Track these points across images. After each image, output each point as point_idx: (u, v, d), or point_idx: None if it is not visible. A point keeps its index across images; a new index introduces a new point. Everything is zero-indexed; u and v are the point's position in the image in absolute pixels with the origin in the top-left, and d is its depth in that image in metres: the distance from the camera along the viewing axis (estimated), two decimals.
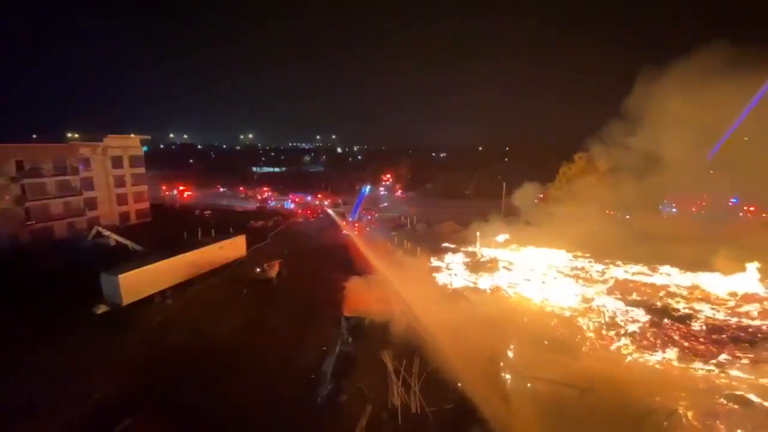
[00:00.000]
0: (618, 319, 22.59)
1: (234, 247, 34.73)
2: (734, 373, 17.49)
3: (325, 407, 16.55)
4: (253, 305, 26.07)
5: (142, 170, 52.89)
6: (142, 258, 29.39)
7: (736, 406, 15.42)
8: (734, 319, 22.48)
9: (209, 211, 58.28)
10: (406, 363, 17.62)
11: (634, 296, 25.74)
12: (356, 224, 49.16)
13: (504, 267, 32.07)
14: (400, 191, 79.23)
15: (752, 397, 15.80)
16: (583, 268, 31.20)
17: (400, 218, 52.82)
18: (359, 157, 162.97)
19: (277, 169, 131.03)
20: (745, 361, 18.19)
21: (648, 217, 39.36)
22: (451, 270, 31.69)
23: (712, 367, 17.88)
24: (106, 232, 39.08)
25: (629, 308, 23.68)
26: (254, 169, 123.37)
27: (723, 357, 18.53)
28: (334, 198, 66.62)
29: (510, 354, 19.24)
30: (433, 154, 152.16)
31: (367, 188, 54.66)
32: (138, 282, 25.47)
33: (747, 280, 26.83)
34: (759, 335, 20.53)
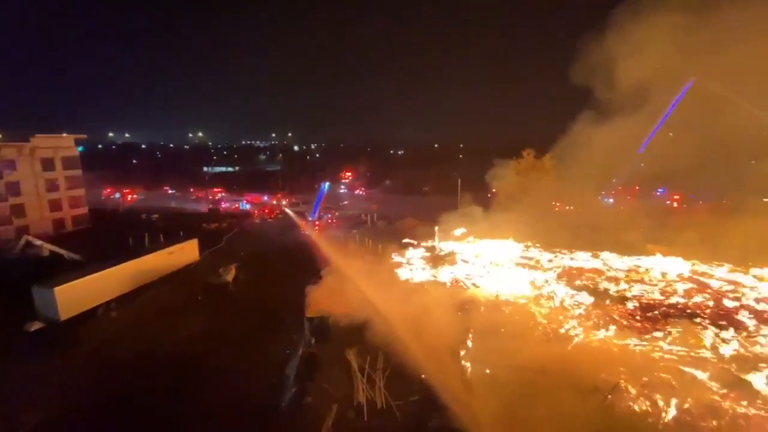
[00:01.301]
0: (566, 304, 24.21)
1: (186, 252, 33.04)
2: (666, 346, 19.36)
3: (290, 411, 16.31)
4: (209, 312, 24.99)
5: (78, 172, 48.59)
6: (82, 268, 27.10)
7: (669, 377, 17.08)
8: (665, 298, 24.86)
9: (157, 215, 54.86)
10: (370, 359, 17.76)
11: (579, 282, 27.64)
12: (316, 223, 48.53)
13: (462, 260, 33.16)
14: (360, 189, 79.17)
15: (683, 368, 17.57)
16: (533, 258, 33.06)
17: (361, 216, 52.83)
18: (317, 155, 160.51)
19: (230, 169, 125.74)
20: (675, 335, 20.16)
21: (588, 207, 42.54)
22: (412, 265, 32.24)
23: (647, 343, 19.68)
24: (38, 242, 35.55)
25: (575, 293, 25.44)
26: (205, 168, 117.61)
27: (656, 333, 20.44)
28: (293, 197, 65.24)
29: (469, 343, 19.98)
30: (392, 151, 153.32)
31: (326, 186, 54.06)
32: (77, 294, 23.50)
33: (674, 262, 29.78)
34: (687, 311, 22.91)
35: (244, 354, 20.16)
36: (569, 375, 16.82)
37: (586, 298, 24.56)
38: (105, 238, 41.40)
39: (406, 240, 39.13)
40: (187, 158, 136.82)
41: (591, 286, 26.73)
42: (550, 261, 32.17)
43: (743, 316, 21.92)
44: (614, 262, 31.13)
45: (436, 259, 33.39)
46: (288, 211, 54.57)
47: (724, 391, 16.05)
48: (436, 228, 38.85)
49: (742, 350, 18.83)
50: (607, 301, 24.20)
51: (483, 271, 30.26)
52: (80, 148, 51.08)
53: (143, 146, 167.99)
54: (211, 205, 62.70)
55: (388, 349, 18.55)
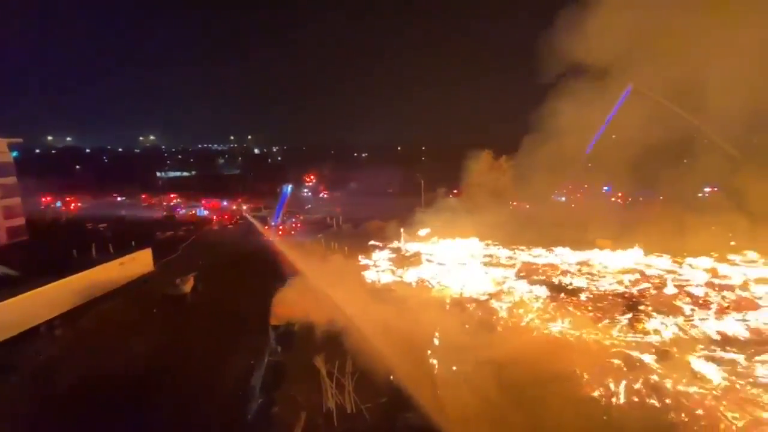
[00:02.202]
0: (525, 298, 25.40)
1: (138, 263, 31.17)
2: (616, 333, 20.83)
3: (257, 422, 15.83)
4: (167, 325, 23.67)
5: (12, 180, 44.22)
6: (18, 285, 24.73)
7: (619, 362, 18.37)
8: (613, 288, 26.70)
9: (105, 224, 51.23)
10: (339, 364, 17.64)
11: (537, 276, 29.09)
12: (280, 228, 47.42)
13: (427, 260, 33.81)
14: (324, 192, 78.30)
15: (630, 352, 18.95)
16: (494, 255, 34.37)
17: (326, 219, 52.30)
18: (279, 158, 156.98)
19: (186, 173, 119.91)
20: (623, 322, 21.72)
21: (543, 205, 44.98)
22: (379, 267, 32.44)
23: (598, 331, 21.05)
24: None
25: (533, 287, 26.77)
26: (159, 173, 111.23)
27: (606, 321, 21.92)
28: (254, 202, 63.36)
29: (436, 342, 20.41)
30: (355, 153, 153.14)
31: (289, 190, 52.88)
32: (13, 314, 21.45)
33: (621, 254, 32.13)
34: (632, 300, 24.76)
35: (206, 367, 19.29)
36: (530, 366, 17.62)
37: (544, 292, 25.91)
38: (46, 251, 38.01)
39: (372, 242, 39.28)
40: (138, 163, 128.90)
41: (547, 280, 28.23)
42: (510, 258, 33.62)
43: (681, 302, 24.06)
44: (568, 256, 33.08)
45: (402, 260, 33.80)
46: (249, 216, 52.87)
47: (667, 371, 17.50)
48: (402, 229, 39.33)
49: (680, 333, 20.67)
50: (562, 294, 25.68)
51: (447, 270, 31.01)
52: (14, 153, 46.71)
53: (87, 150, 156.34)
54: (165, 212, 59.43)
55: (357, 352, 18.51)
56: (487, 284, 27.93)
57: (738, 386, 16.40)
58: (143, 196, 71.90)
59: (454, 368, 18.58)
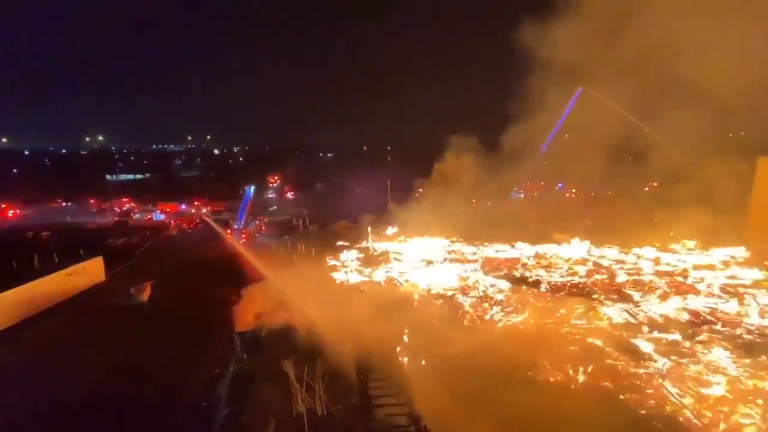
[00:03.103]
0: (489, 292, 26.31)
1: (88, 273, 29.18)
2: (573, 321, 22.08)
3: None
4: (121, 339, 22.27)
5: None
6: None
7: (576, 348, 19.49)
8: (569, 279, 28.31)
9: (47, 232, 47.36)
10: (308, 367, 17.43)
11: (499, 271, 30.23)
12: (243, 231, 45.99)
13: (395, 258, 34.15)
14: (289, 193, 76.82)
15: (587, 339, 20.17)
16: (458, 251, 35.31)
17: (292, 221, 51.40)
18: (240, 159, 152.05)
19: (139, 176, 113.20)
20: (579, 311, 23.05)
21: (503, 202, 46.95)
22: (347, 267, 32.35)
23: (556, 320, 22.23)
24: None
25: (496, 281, 27.80)
26: (109, 177, 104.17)
27: (564, 311, 23.18)
28: (215, 204, 61.03)
29: (405, 339, 20.69)
30: (321, 153, 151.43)
31: (252, 191, 51.33)
32: None
33: (575, 247, 34.11)
34: (587, 289, 26.38)
35: (167, 380, 18.35)
36: (495, 358, 18.37)
37: (506, 285, 26.98)
38: None
39: (340, 242, 39.09)
40: (85, 165, 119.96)
41: (509, 274, 29.43)
42: (474, 253, 34.71)
43: (630, 290, 25.90)
44: (527, 250, 34.67)
45: (370, 260, 33.92)
46: (209, 220, 50.81)
47: (619, 354, 18.80)
48: (369, 228, 39.44)
49: (630, 319, 22.27)
50: (523, 287, 26.87)
51: (415, 267, 31.50)
52: None
53: (26, 152, 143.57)
54: (117, 218, 55.80)
55: (327, 354, 18.39)
56: (453, 280, 28.68)
57: (681, 365, 17.88)
58: (92, 201, 67.12)
59: (423, 363, 18.98)
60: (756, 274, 26.83)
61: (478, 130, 43.19)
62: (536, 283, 27.59)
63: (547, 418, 14.64)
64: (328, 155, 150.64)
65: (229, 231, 45.35)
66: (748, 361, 17.65)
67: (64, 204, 67.45)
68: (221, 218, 51.96)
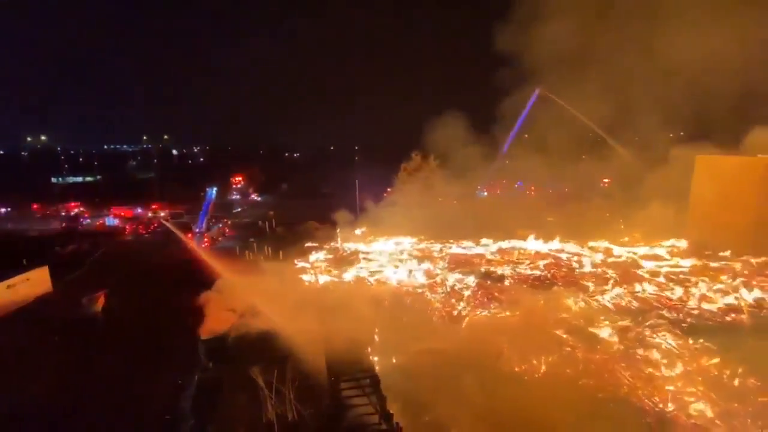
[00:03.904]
0: (456, 288, 26.99)
1: (33, 284, 27.09)
2: (535, 314, 23.03)
3: None
4: (72, 353, 20.79)
5: None
6: None
7: (539, 338, 20.39)
8: (531, 272, 29.61)
9: None
10: (278, 373, 17.11)
11: (466, 267, 30.97)
12: (205, 235, 44.23)
13: (364, 258, 34.18)
14: (254, 194, 74.66)
15: (548, 329, 21.14)
16: (426, 249, 35.93)
17: (258, 223, 50.07)
18: (201, 159, 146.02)
19: (89, 178, 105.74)
20: (542, 302, 24.13)
21: (468, 201, 48.35)
22: (317, 268, 32.03)
23: (520, 313, 23.16)
24: None
25: (463, 276, 28.56)
26: (54, 179, 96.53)
27: (527, 303, 24.17)
28: (174, 207, 58.21)
29: (376, 338, 20.80)
30: (287, 154, 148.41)
31: (214, 193, 49.39)
32: None
33: (536, 242, 35.73)
34: (547, 281, 27.69)
35: (126, 395, 17.34)
36: (463, 351, 18.90)
37: (472, 281, 27.81)
38: None
39: (308, 244, 38.56)
40: (27, 167, 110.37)
41: (475, 270, 30.31)
42: (441, 251, 35.43)
43: (586, 281, 27.45)
44: (492, 247, 35.91)
45: (339, 260, 33.74)
46: (168, 224, 48.40)
47: (578, 342, 19.89)
48: (338, 229, 39.20)
49: (586, 307, 23.62)
50: (488, 282, 27.81)
51: (384, 266, 31.69)
52: None
53: None
54: (65, 224, 51.86)
55: (296, 358, 18.14)
56: (422, 277, 29.15)
57: (633, 350, 19.20)
58: (35, 206, 61.90)
59: (394, 361, 19.18)
60: (695, 262, 29.34)
61: (445, 130, 44.10)
62: (501, 278, 28.64)
63: (515, 408, 15.25)
64: (295, 155, 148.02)
65: (190, 235, 43.45)
66: (691, 342, 19.25)
67: (2, 210, 61.75)
68: (181, 222, 49.67)
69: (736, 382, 16.40)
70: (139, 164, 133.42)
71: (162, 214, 55.18)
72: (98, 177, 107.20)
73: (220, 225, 48.94)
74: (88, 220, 53.83)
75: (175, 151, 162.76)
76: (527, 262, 31.98)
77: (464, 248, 35.94)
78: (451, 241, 37.29)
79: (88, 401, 17.12)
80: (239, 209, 62.49)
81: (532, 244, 35.59)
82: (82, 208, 59.39)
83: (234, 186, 77.40)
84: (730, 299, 23.64)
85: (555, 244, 35.33)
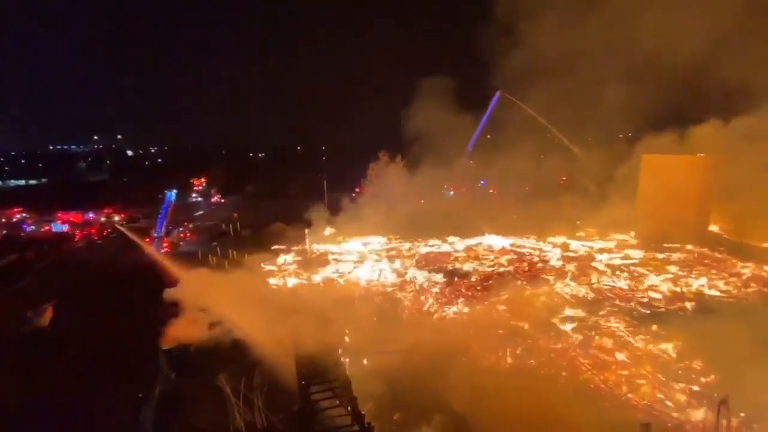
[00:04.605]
0: (425, 286, 27.48)
1: None
2: (500, 307, 23.95)
3: None
4: (16, 373, 19.18)
5: None
6: None
7: (504, 332, 21.17)
8: (495, 268, 30.66)
9: None
10: (245, 380, 16.68)
11: (434, 265, 31.59)
12: (164, 240, 42.19)
13: (333, 259, 33.99)
14: (217, 196, 72.08)
15: (513, 322, 22.02)
16: (395, 248, 36.31)
17: (222, 226, 48.39)
18: (159, 160, 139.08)
19: (33, 181, 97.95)
20: (505, 297, 25.04)
21: (436, 200, 49.42)
22: (285, 271, 31.50)
23: (486, 308, 23.94)
24: None
25: (431, 275, 29.11)
26: None
27: (493, 298, 25.03)
28: (130, 211, 55.09)
29: (347, 339, 20.75)
30: (251, 154, 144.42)
31: (174, 195, 47.12)
32: None
33: (499, 239, 37.08)
34: (511, 276, 28.73)
35: (80, 412, 16.25)
36: (433, 348, 19.21)
37: (440, 279, 28.41)
38: None
39: (275, 246, 37.77)
40: None
41: (443, 268, 30.96)
42: (410, 250, 35.91)
43: (547, 274, 28.76)
44: (458, 244, 36.83)
45: (308, 262, 33.34)
46: (123, 228, 45.70)
47: (539, 334, 20.82)
48: (306, 230, 38.70)
49: (546, 300, 24.73)
50: (456, 278, 28.49)
51: (354, 267, 31.66)
52: None
53: None
54: (5, 231, 47.70)
55: (265, 364, 17.76)
56: (391, 277, 29.40)
57: (589, 338, 20.36)
58: None
59: (365, 362, 19.23)
60: (643, 254, 31.55)
61: (413, 129, 45.02)
62: (467, 275, 29.41)
63: (484, 401, 15.73)
64: (260, 155, 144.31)
65: (147, 240, 41.28)
66: (642, 329, 20.66)
67: None
68: (138, 226, 47.08)
69: (682, 365, 17.72)
70: (90, 165, 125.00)
71: (116, 218, 52.11)
72: (43, 180, 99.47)
73: (181, 229, 46.85)
74: (32, 227, 49.79)
75: (130, 152, 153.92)
76: (492, 258, 33.06)
77: (432, 247, 36.60)
78: (420, 240, 37.86)
79: (36, 421, 15.90)
80: (201, 212, 60.20)
81: (496, 240, 36.83)
82: (24, 214, 54.86)
83: (195, 187, 74.40)
84: (674, 287, 25.58)
85: (516, 240, 36.80)
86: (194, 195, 71.45)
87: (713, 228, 36.91)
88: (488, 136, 50.78)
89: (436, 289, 26.73)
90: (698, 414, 14.80)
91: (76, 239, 45.33)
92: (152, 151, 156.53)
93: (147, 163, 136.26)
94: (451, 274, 29.30)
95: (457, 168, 49.51)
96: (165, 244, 41.02)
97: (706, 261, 29.71)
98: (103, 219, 52.08)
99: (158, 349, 20.09)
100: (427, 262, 32.29)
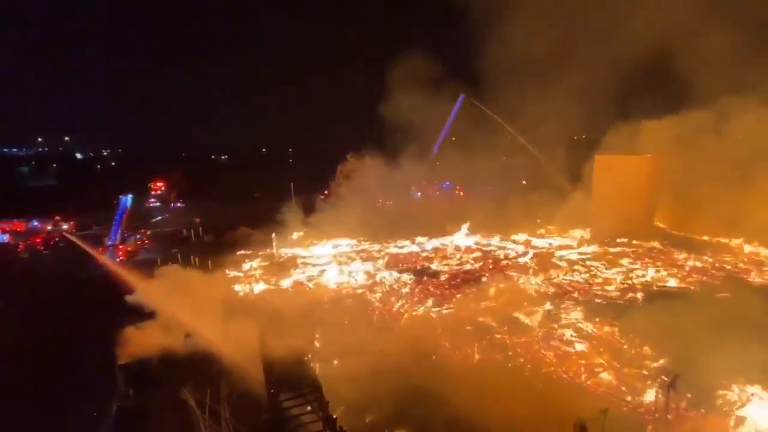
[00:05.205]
0: (394, 286, 27.69)
1: None
2: (469, 306, 24.51)
3: None
4: None
5: None
6: None
7: (471, 328, 21.74)
8: (462, 267, 31.45)
9: None
10: (211, 391, 16.08)
11: (403, 265, 31.94)
12: (120, 248, 39.87)
13: (302, 263, 33.49)
14: (177, 201, 68.97)
15: (479, 318, 22.65)
16: (365, 250, 36.35)
17: (183, 231, 46.39)
18: (113, 164, 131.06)
19: None
20: (471, 294, 25.74)
21: (404, 202, 50.08)
22: (251, 277, 30.65)
23: (454, 305, 24.52)
24: None
25: (401, 275, 29.40)
26: None
27: (460, 296, 25.63)
28: (80, 218, 51.56)
29: (317, 344, 20.52)
30: (213, 156, 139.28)
31: (129, 201, 44.53)
32: None
33: (466, 238, 38.08)
34: (476, 274, 29.61)
35: None
36: (403, 349, 19.44)
37: (410, 279, 28.74)
38: None
39: (240, 252, 36.65)
40: None
41: (412, 268, 31.37)
42: (379, 251, 36.06)
43: (510, 271, 29.81)
44: (427, 244, 37.49)
45: (275, 267, 32.65)
46: (73, 237, 42.68)
47: (504, 328, 21.55)
48: (273, 234, 37.87)
49: (511, 296, 25.60)
50: (425, 278, 28.96)
51: (323, 270, 31.35)
52: None
53: None
54: None
55: (232, 374, 17.20)
56: (361, 278, 29.38)
57: (551, 330, 21.31)
58: None
59: (336, 363, 19.18)
60: (597, 249, 33.50)
61: (379, 131, 45.52)
62: (436, 274, 29.95)
63: (454, 397, 16.07)
64: (223, 157, 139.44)
65: (100, 249, 38.81)
66: (597, 320, 21.89)
67: None
68: (90, 234, 44.18)
69: (634, 351, 18.93)
70: (34, 169, 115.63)
71: (65, 226, 48.60)
72: None
73: (138, 236, 44.44)
74: None
75: (79, 155, 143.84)
76: (459, 257, 33.86)
77: (401, 248, 36.95)
78: (389, 241, 38.11)
79: None
80: (160, 217, 57.40)
81: (463, 240, 37.79)
82: None
83: (153, 192, 70.81)
84: (626, 280, 27.31)
85: (482, 239, 37.94)
86: (152, 200, 68.00)
87: (659, 224, 39.79)
88: (453, 138, 52.29)
89: (406, 290, 27.00)
90: (650, 397, 15.89)
91: (19, 250, 41.87)
92: (104, 153, 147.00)
93: (99, 166, 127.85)
94: (421, 274, 29.70)
95: (423, 170, 50.52)
96: (120, 253, 38.81)
97: (653, 254, 31.95)
98: (49, 227, 48.33)
99: (114, 365, 18.96)
100: (396, 263, 32.55)
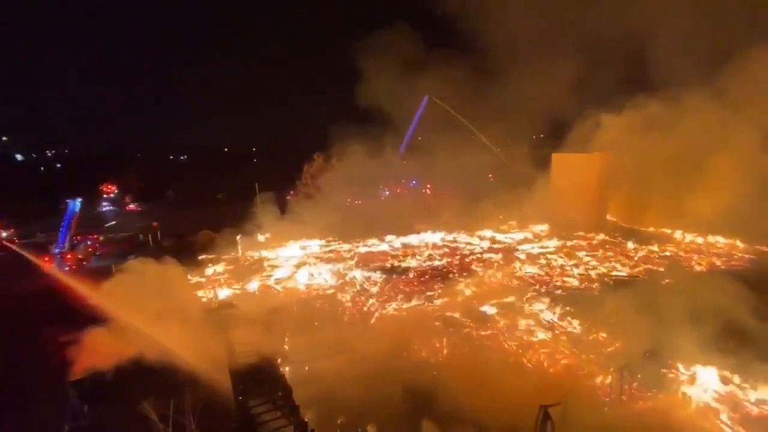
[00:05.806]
0: (364, 285, 27.77)
1: None
2: (436, 301, 25.06)
3: None
4: None
5: None
6: None
7: (440, 324, 22.19)
8: (430, 264, 32.02)
9: None
10: (175, 403, 15.39)
11: (373, 264, 32.06)
12: (69, 256, 37.18)
13: (269, 265, 32.75)
14: (132, 204, 65.30)
15: (447, 313, 23.15)
16: (335, 250, 36.14)
17: (139, 236, 43.97)
18: (58, 166, 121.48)
19: None
20: (440, 290, 26.26)
21: (372, 201, 50.30)
22: (215, 282, 29.56)
23: (423, 302, 24.93)
24: None
25: (370, 274, 29.52)
26: None
27: (429, 292, 26.09)
28: (22, 225, 47.61)
29: (286, 347, 20.15)
30: (171, 156, 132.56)
31: (78, 205, 41.61)
32: None
33: (433, 235, 38.84)
34: (444, 270, 30.24)
35: None
36: (374, 348, 19.50)
37: (379, 277, 28.91)
38: None
39: (203, 256, 35.24)
40: None
41: (382, 266, 31.56)
42: (349, 251, 35.98)
43: (476, 267, 30.73)
44: (396, 242, 37.85)
45: (241, 271, 31.70)
46: (14, 245, 39.30)
47: (471, 322, 22.19)
48: (238, 237, 36.73)
49: (477, 290, 26.45)
50: (394, 276, 29.24)
51: (291, 272, 30.84)
52: None
53: None
54: None
55: (197, 384, 16.53)
56: (331, 279, 29.19)
57: (516, 322, 22.17)
58: None
59: (307, 368, 18.89)
60: (556, 242, 35.27)
61: (346, 130, 45.27)
62: (405, 271, 30.31)
63: (424, 393, 16.35)
64: (182, 157, 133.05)
65: (46, 258, 35.99)
66: (557, 310, 23.03)
67: None
68: (34, 242, 40.87)
69: (591, 338, 20.08)
70: None
71: (4, 234, 44.75)
72: None
73: (89, 242, 41.64)
74: None
75: (20, 156, 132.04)
76: (427, 254, 34.47)
77: (371, 246, 37.07)
78: (358, 240, 38.09)
79: None
80: (113, 222, 54.12)
81: (431, 237, 38.51)
82: None
83: (105, 195, 66.72)
84: (582, 271, 28.93)
85: (449, 236, 38.83)
86: (104, 204, 64.15)
87: (611, 217, 42.46)
88: (419, 138, 53.37)
89: (375, 288, 27.13)
90: (606, 381, 16.96)
91: None
92: (48, 155, 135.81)
93: (43, 168, 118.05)
94: (390, 272, 29.97)
95: (391, 169, 51.09)
96: (69, 261, 36.20)
97: (606, 246, 34.09)
98: None
99: (65, 382, 17.64)
100: (366, 262, 32.62)
